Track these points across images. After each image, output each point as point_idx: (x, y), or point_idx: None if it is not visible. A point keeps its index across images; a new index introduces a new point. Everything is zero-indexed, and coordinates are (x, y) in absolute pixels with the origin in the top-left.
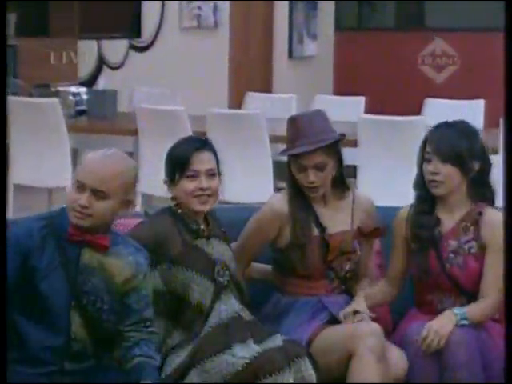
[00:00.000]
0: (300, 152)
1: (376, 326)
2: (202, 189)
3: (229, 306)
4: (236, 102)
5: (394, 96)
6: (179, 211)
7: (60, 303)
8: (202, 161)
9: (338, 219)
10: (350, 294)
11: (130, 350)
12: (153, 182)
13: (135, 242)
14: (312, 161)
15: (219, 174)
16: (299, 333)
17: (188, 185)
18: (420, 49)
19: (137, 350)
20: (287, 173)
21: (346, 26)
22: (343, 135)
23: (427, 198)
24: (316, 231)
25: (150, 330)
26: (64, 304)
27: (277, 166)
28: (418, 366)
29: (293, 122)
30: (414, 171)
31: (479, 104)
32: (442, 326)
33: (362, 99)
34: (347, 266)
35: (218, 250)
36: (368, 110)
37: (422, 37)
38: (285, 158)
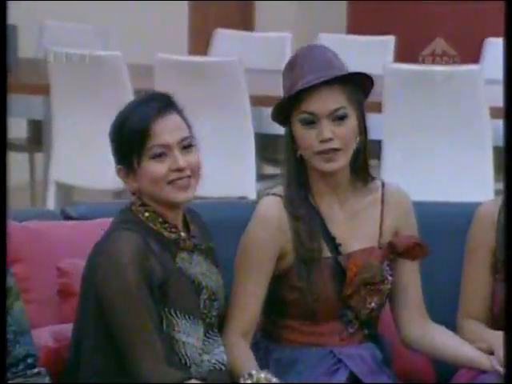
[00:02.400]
0: (306, 86)
1: None
2: (178, 169)
3: (213, 356)
4: (200, 44)
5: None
6: (146, 214)
7: None
8: (170, 128)
9: (359, 229)
10: (375, 342)
11: None
12: (73, 166)
13: None
14: (326, 105)
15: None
16: None
17: (155, 168)
18: None
19: None
20: (285, 148)
21: None
22: (372, 80)
23: None
24: (326, 249)
25: (35, 371)
26: None
27: (261, 140)
28: None
29: (290, 62)
30: (467, 148)
31: None
32: None
33: (390, 40)
34: (373, 302)
35: (202, 270)
36: (399, 57)
37: None
38: (274, 130)
